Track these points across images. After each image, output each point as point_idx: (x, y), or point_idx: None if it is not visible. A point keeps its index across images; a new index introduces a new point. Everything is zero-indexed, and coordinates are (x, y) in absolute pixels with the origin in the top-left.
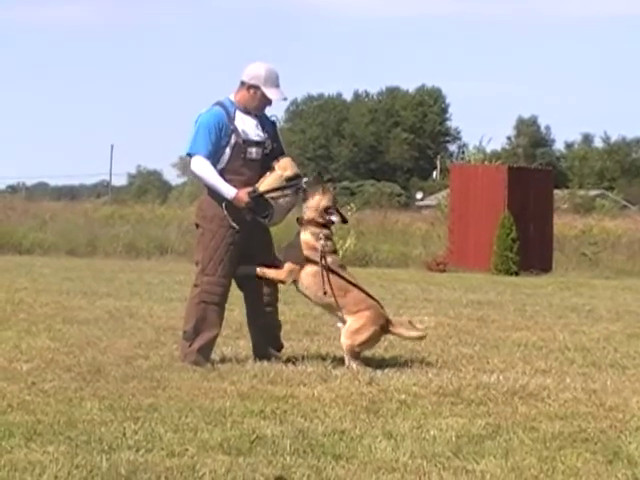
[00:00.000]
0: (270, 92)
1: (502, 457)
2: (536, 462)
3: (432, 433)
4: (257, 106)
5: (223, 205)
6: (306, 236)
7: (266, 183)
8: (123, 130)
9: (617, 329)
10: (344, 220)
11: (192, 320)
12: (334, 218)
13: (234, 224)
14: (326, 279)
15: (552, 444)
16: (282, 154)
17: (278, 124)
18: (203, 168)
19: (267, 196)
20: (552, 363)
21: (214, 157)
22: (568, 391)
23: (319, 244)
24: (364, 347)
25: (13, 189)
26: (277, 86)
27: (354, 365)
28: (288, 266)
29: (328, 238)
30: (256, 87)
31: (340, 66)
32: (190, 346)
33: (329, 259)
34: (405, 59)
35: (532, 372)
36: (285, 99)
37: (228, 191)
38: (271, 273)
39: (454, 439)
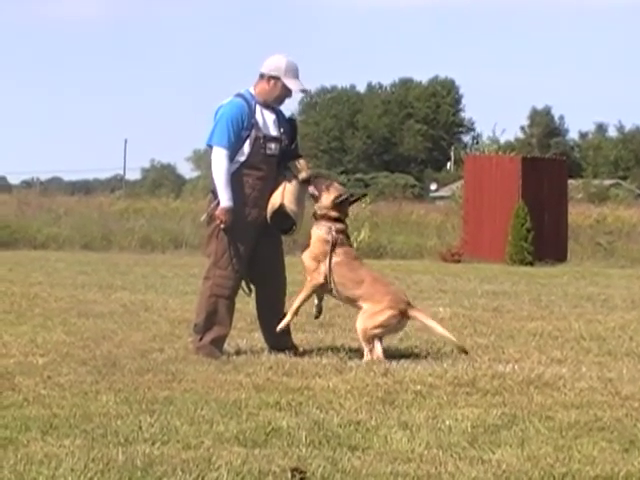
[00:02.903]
0: (290, 83)
1: (518, 446)
2: (552, 451)
3: (448, 423)
4: (277, 97)
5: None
6: (320, 231)
7: (290, 195)
8: (137, 124)
9: (632, 318)
10: (358, 198)
11: (203, 313)
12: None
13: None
14: (330, 271)
15: (568, 433)
16: (298, 156)
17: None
18: (219, 164)
19: (290, 211)
20: (567, 352)
21: (234, 149)
22: (584, 380)
23: (330, 237)
24: (379, 332)
25: (27, 184)
26: (297, 77)
27: (367, 351)
28: (310, 266)
29: (341, 232)
30: (276, 78)
31: (353, 58)
32: (201, 339)
33: (342, 250)
34: (418, 50)
35: (548, 361)
36: (304, 91)
37: (224, 200)
38: (302, 292)
39: (470, 429)
